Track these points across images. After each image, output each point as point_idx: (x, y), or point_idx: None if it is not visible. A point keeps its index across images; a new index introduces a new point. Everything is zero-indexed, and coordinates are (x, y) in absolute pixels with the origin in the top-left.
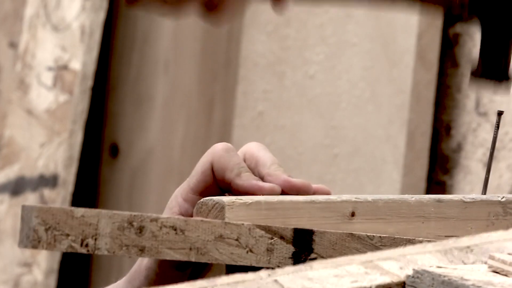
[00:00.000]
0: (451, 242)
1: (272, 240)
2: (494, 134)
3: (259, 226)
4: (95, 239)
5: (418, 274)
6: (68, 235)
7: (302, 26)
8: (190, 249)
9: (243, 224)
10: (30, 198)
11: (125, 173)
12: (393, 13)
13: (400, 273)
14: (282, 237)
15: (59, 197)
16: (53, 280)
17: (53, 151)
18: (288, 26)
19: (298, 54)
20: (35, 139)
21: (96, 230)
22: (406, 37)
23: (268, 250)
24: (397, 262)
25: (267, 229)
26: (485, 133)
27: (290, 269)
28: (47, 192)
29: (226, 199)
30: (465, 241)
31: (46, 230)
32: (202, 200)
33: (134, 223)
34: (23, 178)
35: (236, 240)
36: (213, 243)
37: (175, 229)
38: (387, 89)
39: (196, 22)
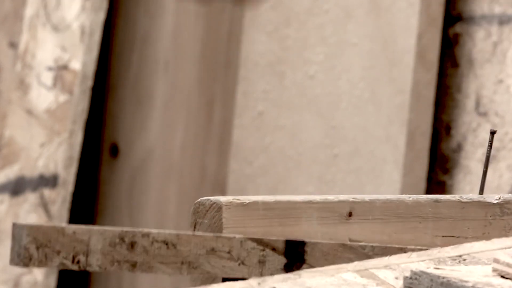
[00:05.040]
0: (435, 252)
1: (264, 252)
2: (487, 153)
3: (251, 239)
4: (86, 256)
5: (416, 276)
6: (59, 252)
7: (302, 26)
8: (182, 263)
9: (234, 237)
10: (30, 198)
11: (125, 173)
12: (393, 13)
13: (395, 283)
14: (273, 249)
15: (59, 197)
16: (53, 280)
17: (53, 151)
18: (288, 26)
19: (298, 54)
20: (35, 139)
21: (87, 246)
22: (406, 37)
23: (260, 262)
24: (392, 271)
25: (259, 241)
26: (485, 133)
27: (279, 277)
28: (47, 192)
29: (223, 199)
30: (448, 250)
31: (37, 248)
32: (199, 200)
33: (126, 239)
34: (23, 178)
35: (228, 253)
36: (205, 257)
37: (167, 244)
38: (387, 89)
39: (196, 22)
